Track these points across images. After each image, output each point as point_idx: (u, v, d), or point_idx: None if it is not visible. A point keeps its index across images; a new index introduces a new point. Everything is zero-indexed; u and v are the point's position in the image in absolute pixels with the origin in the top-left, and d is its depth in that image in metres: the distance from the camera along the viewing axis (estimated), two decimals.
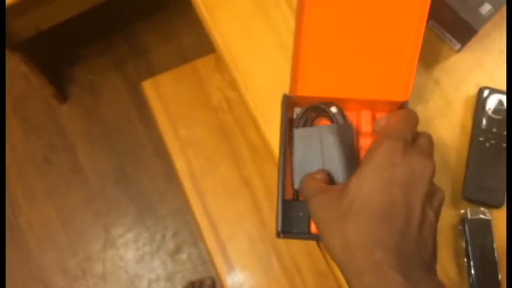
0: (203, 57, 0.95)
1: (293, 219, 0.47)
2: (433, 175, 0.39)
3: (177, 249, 1.37)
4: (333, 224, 0.38)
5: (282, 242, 0.87)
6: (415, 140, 0.42)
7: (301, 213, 0.47)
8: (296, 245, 0.87)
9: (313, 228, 0.48)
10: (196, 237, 1.34)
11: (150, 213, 1.40)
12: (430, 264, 0.37)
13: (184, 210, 1.34)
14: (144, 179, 1.43)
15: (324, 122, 0.50)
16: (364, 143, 0.50)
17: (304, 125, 0.49)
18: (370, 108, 0.50)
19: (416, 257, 0.36)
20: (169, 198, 1.40)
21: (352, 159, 0.47)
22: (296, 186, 0.47)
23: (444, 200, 0.41)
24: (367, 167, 0.38)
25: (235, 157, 0.91)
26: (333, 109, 0.48)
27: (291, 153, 0.48)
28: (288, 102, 0.48)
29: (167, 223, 1.39)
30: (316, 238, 0.49)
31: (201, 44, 0.58)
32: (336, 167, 0.45)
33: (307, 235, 0.48)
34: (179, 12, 1.46)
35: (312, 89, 0.48)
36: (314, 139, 0.47)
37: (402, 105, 0.48)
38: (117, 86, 1.50)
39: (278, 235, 0.45)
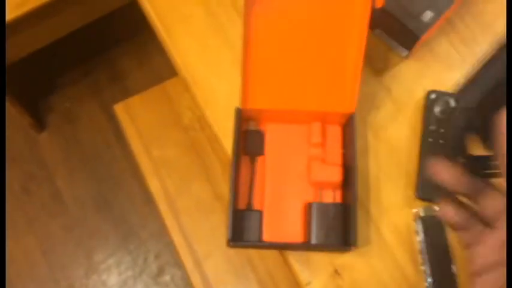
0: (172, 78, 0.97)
1: (245, 228, 0.48)
2: None
3: (160, 272, 1.36)
4: None
5: (257, 256, 0.88)
6: None
7: (252, 222, 0.48)
8: (272, 258, 0.88)
9: (266, 238, 0.49)
10: (178, 258, 1.34)
11: (132, 237, 1.40)
12: None
13: (165, 232, 1.34)
14: (125, 203, 1.43)
15: None
16: (314, 153, 0.52)
17: None
18: (320, 119, 0.52)
19: None
20: (150, 221, 1.40)
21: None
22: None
23: None
24: None
25: (207, 174, 0.93)
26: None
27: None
28: (241, 115, 0.50)
29: (149, 246, 1.39)
30: (268, 246, 0.50)
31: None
32: None
33: (258, 243, 0.49)
34: (153, 37, 1.48)
35: (262, 102, 0.49)
36: None
37: (351, 117, 0.50)
38: (95, 112, 1.51)
39: (228, 244, 0.46)
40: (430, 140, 0.54)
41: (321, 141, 0.51)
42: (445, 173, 0.36)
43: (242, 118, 0.51)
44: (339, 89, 0.49)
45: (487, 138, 0.53)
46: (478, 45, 0.60)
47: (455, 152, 0.53)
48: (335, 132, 0.53)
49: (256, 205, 0.51)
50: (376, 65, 0.59)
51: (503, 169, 0.32)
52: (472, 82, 0.57)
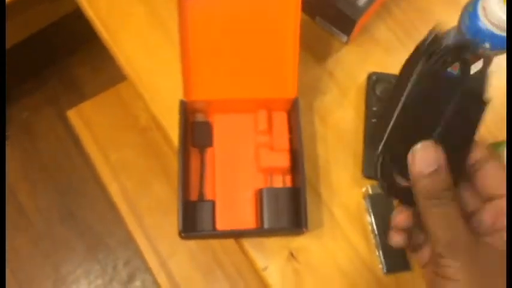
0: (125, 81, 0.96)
1: (198, 219, 0.49)
2: None
3: (130, 278, 1.35)
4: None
5: (221, 251, 0.88)
6: None
7: (205, 213, 0.49)
8: (236, 252, 0.88)
9: (219, 226, 0.50)
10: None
11: (100, 245, 1.38)
12: None
13: (133, 238, 1.33)
14: (89, 212, 1.41)
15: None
16: (261, 140, 0.52)
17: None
18: (265, 107, 0.53)
19: None
20: (117, 228, 1.38)
21: (469, 141, 0.34)
22: (380, 151, 0.34)
23: None
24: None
25: (167, 174, 0.92)
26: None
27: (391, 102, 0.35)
28: (186, 107, 0.50)
29: (118, 253, 1.37)
30: (221, 235, 0.51)
31: None
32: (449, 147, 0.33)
33: (211, 232, 0.49)
34: None
35: (204, 93, 0.50)
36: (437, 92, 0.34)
37: (294, 102, 0.51)
38: (52, 121, 1.48)
39: (180, 235, 0.47)
40: (373, 120, 0.56)
41: (267, 128, 0.52)
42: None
43: (188, 110, 0.51)
44: (279, 75, 0.50)
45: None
46: (415, 30, 0.62)
47: None
48: (281, 119, 0.54)
49: (208, 195, 0.52)
50: (318, 51, 0.60)
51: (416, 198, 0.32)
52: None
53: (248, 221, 0.51)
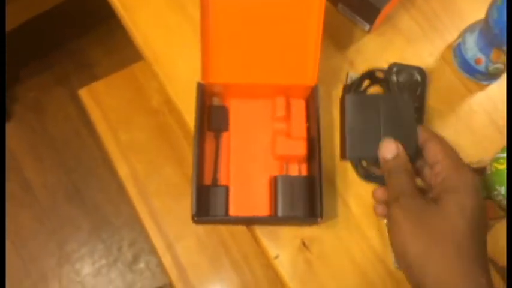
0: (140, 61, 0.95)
1: (211, 204, 0.48)
2: None
3: (135, 259, 1.35)
4: (418, 234, 0.39)
5: (229, 237, 0.88)
6: None
7: (218, 198, 0.48)
8: (243, 238, 0.88)
9: (232, 212, 0.49)
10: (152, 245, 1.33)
11: (105, 225, 1.38)
12: None
13: (139, 219, 1.33)
14: (97, 192, 1.41)
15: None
16: (279, 127, 0.52)
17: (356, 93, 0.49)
18: (284, 94, 0.52)
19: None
20: (124, 209, 1.39)
21: (413, 130, 0.45)
22: (348, 156, 0.46)
23: None
24: (467, 193, 0.40)
25: (178, 158, 0.92)
26: (394, 78, 0.50)
27: (342, 121, 0.47)
28: (203, 90, 0.50)
29: (123, 234, 1.38)
30: (234, 220, 0.50)
31: None
32: (397, 137, 0.45)
33: (224, 218, 0.49)
34: (120, 24, 1.46)
35: (223, 76, 0.49)
36: (370, 106, 0.46)
37: (313, 90, 0.50)
38: (62, 101, 1.48)
39: (193, 219, 0.46)
40: None
41: (285, 115, 0.51)
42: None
43: (205, 94, 0.50)
44: (300, 61, 0.49)
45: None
46: (439, 20, 0.61)
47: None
48: (299, 106, 0.53)
49: (222, 181, 0.51)
50: (339, 39, 0.59)
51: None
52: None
53: (261, 208, 0.50)
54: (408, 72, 0.56)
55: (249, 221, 0.51)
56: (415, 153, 0.45)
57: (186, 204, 0.91)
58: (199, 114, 0.49)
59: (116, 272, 1.34)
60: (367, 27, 0.58)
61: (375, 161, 0.46)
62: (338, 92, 0.56)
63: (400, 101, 0.47)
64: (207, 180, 0.50)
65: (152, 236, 0.87)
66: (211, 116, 0.52)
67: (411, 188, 0.41)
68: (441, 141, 0.44)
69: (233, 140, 0.52)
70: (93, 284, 1.33)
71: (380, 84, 0.53)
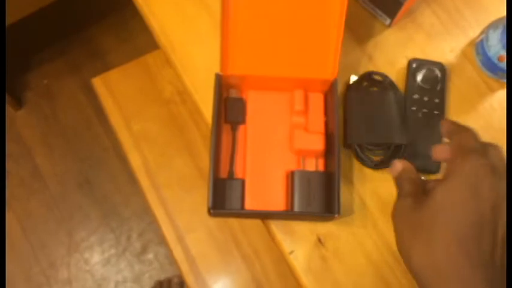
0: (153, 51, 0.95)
1: (227, 197, 0.48)
2: None
3: (143, 250, 1.36)
4: (415, 235, 0.37)
5: (240, 231, 0.88)
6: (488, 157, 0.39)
7: (234, 191, 0.48)
8: (254, 233, 0.88)
9: (248, 206, 0.48)
10: (161, 236, 1.33)
11: (115, 215, 1.39)
12: None
13: (148, 210, 1.33)
14: (107, 181, 1.41)
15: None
16: (298, 121, 0.51)
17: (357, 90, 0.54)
18: (302, 87, 0.51)
19: (500, 280, 0.35)
20: (133, 200, 1.39)
21: (405, 124, 0.52)
22: (349, 140, 0.52)
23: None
24: (456, 179, 0.36)
25: (190, 149, 0.91)
26: (388, 79, 0.54)
27: (344, 114, 0.53)
28: (221, 81, 0.49)
29: (132, 224, 1.38)
30: (250, 214, 0.50)
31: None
32: (391, 128, 0.51)
33: (240, 211, 0.48)
34: (133, 13, 1.44)
35: (242, 68, 0.48)
36: (369, 102, 0.52)
37: (332, 84, 0.50)
38: (74, 90, 1.48)
39: (209, 212, 0.46)
40: (414, 108, 0.54)
41: (303, 109, 0.51)
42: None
43: (223, 85, 0.50)
44: (320, 55, 0.48)
45: None
46: (461, 16, 0.60)
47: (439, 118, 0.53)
48: (317, 100, 0.52)
49: (238, 174, 0.50)
50: (359, 32, 0.58)
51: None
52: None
53: (277, 203, 0.49)
54: (428, 67, 0.55)
55: (265, 215, 0.50)
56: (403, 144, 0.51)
57: (197, 196, 0.91)
58: (217, 106, 0.48)
59: (125, 262, 1.34)
60: (387, 21, 0.57)
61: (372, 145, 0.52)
62: None
63: (392, 96, 0.52)
64: (223, 173, 0.49)
65: (163, 227, 0.87)
66: (228, 108, 0.51)
67: (406, 190, 0.40)
68: (462, 130, 0.41)
69: (250, 132, 0.51)
70: (101, 272, 1.33)
71: (376, 86, 0.54)
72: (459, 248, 0.34)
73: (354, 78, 0.55)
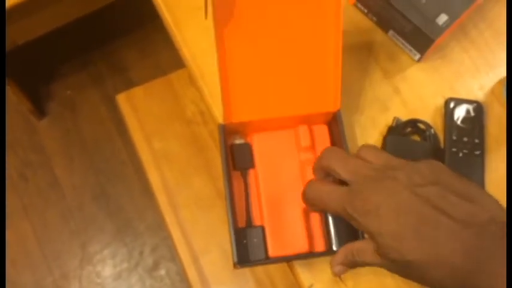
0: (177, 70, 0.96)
1: (249, 246, 0.46)
2: None
3: (155, 265, 1.35)
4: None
5: None
6: None
7: (255, 239, 0.47)
8: None
9: (271, 252, 0.47)
10: (174, 253, 1.33)
11: (128, 229, 1.39)
12: None
13: (162, 225, 1.33)
14: (123, 195, 1.42)
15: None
16: (305, 157, 0.50)
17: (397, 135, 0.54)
18: (306, 122, 0.51)
19: None
20: (148, 214, 1.39)
21: None
22: None
23: None
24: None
25: (209, 169, 0.92)
26: (431, 131, 0.54)
27: None
28: (225, 131, 0.49)
29: (145, 239, 1.38)
30: (275, 262, 0.49)
31: (179, 59, 0.60)
32: None
33: (265, 261, 0.47)
34: (157, 29, 1.47)
35: (245, 114, 0.48)
36: (406, 149, 0.53)
37: (336, 115, 0.49)
38: (96, 103, 1.50)
39: (235, 267, 0.45)
40: (454, 150, 0.53)
41: (310, 144, 0.50)
42: None
43: (226, 133, 0.49)
44: (321, 88, 0.48)
45: None
46: (491, 52, 0.59)
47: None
48: (322, 132, 0.51)
49: (256, 221, 0.49)
50: (387, 66, 0.58)
51: None
52: None
53: (300, 243, 0.48)
54: (466, 107, 0.54)
55: (291, 259, 0.50)
56: None
57: (214, 216, 0.91)
58: (226, 155, 0.47)
59: (136, 276, 1.34)
60: (417, 56, 0.57)
61: None
62: (382, 118, 0.55)
63: (432, 149, 0.53)
64: (241, 222, 0.48)
65: (179, 247, 0.87)
66: (236, 156, 0.50)
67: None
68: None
69: (261, 176, 0.50)
70: (113, 286, 1.33)
71: (419, 135, 0.54)
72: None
73: (398, 121, 0.55)
